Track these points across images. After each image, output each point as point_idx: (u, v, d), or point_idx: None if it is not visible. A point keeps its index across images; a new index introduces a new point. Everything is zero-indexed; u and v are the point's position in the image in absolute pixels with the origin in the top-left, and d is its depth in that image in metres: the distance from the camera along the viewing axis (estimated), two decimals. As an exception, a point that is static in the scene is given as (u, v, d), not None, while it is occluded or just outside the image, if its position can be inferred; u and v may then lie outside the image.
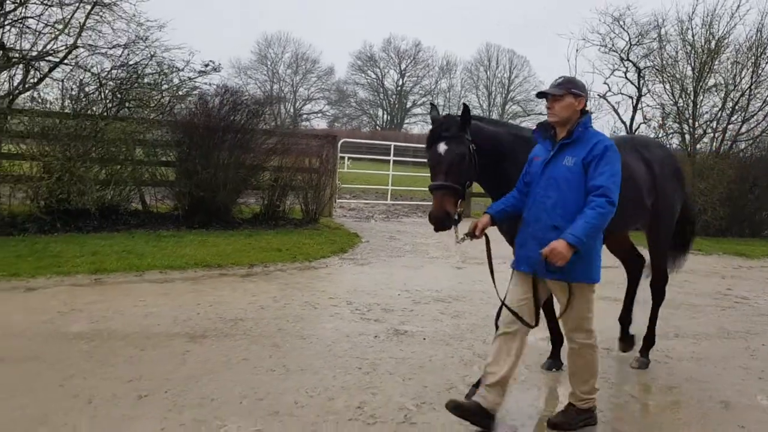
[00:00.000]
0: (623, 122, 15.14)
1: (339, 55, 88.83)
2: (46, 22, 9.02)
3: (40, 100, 9.20)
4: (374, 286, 7.06)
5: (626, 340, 5.09)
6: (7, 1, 8.70)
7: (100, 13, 9.13)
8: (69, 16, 8.94)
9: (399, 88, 64.49)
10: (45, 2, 9.04)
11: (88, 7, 8.98)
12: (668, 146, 5.86)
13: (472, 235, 3.59)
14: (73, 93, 9.18)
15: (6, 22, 8.79)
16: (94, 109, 9.41)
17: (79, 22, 9.04)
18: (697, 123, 15.10)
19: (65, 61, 9.02)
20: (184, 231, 9.64)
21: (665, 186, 4.77)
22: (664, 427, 3.77)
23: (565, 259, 3.17)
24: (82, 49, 9.10)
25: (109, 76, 9.60)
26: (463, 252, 9.28)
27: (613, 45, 14.59)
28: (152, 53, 9.62)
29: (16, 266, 6.74)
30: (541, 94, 3.57)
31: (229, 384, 3.97)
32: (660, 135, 14.94)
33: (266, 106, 10.81)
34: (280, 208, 11.17)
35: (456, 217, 3.58)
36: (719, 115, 15.06)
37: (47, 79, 9.24)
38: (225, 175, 10.04)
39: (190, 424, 3.36)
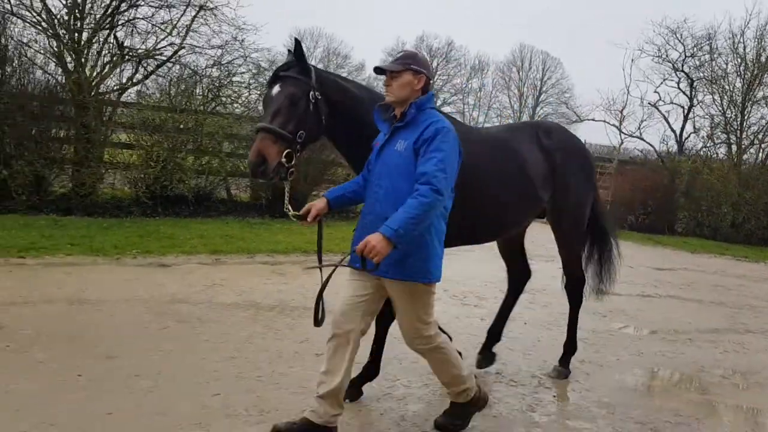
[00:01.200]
0: (673, 131, 15.68)
1: (371, 51, 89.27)
2: (154, 23, 9.86)
3: (145, 94, 10.05)
4: (460, 277, 7.75)
5: (486, 356, 4.57)
6: (123, 4, 9.53)
7: (204, 17, 9.94)
8: (176, 19, 9.78)
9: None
10: (153, 5, 9.87)
11: (194, 11, 9.80)
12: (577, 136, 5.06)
13: (302, 218, 3.18)
14: (175, 89, 10.00)
15: (120, 22, 9.63)
16: (191, 103, 10.23)
17: (185, 25, 9.87)
18: (744, 134, 15.57)
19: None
20: (268, 219, 10.46)
21: (569, 178, 4.28)
22: (759, 402, 4.44)
23: (380, 254, 2.78)
24: (183, 49, 9.92)
25: (204, 73, 10.43)
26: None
27: (667, 55, 15.13)
28: (246, 54, 10.41)
29: (144, 245, 7.57)
30: (378, 70, 3.14)
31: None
32: (708, 145, 15.45)
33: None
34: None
35: (278, 167, 3.04)
36: (767, 126, 15.51)
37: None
38: (306, 169, 10.83)
39: (371, 377, 4.11)
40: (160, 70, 9.97)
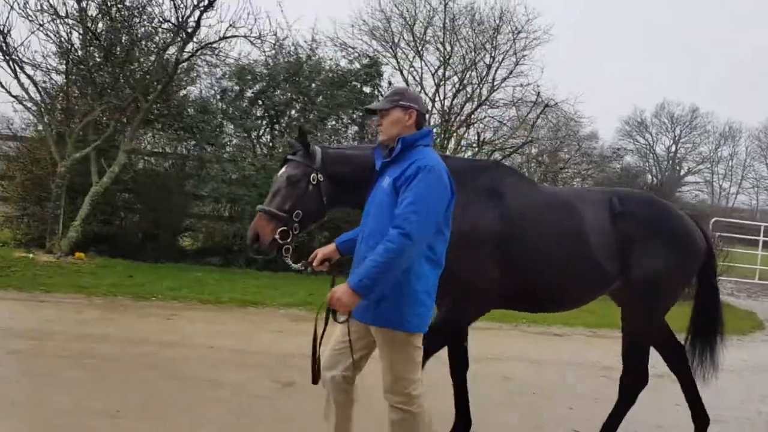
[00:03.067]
0: None
1: (606, 120, 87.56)
2: (502, 120, 11.55)
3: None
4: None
5: None
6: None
7: (546, 113, 11.36)
8: (524, 115, 11.33)
9: (671, 154, 61.79)
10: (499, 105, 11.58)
11: (539, 109, 11.27)
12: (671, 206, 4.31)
13: (309, 264, 3.19)
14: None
15: (481, 118, 11.47)
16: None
17: (530, 121, 11.39)
18: None
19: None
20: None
21: (644, 252, 3.82)
22: None
23: (346, 306, 2.74)
24: (531, 141, 11.43)
25: (542, 161, 11.79)
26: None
27: None
28: (579, 142, 11.57)
29: (521, 316, 8.61)
30: (368, 111, 3.20)
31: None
32: None
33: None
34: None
35: (272, 244, 3.18)
36: None
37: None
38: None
39: None
40: (504, 160, 11.55)
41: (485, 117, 11.49)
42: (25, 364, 5.08)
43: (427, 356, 3.44)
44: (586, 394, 5.52)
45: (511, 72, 11.07)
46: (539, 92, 10.96)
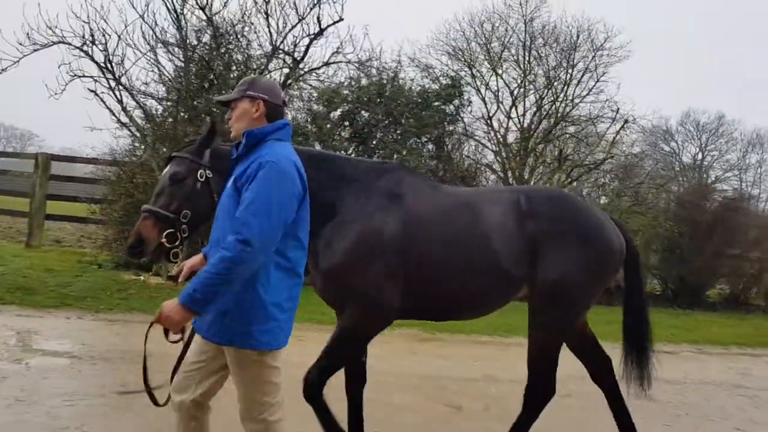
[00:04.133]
0: None
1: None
2: (581, 137, 11.61)
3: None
4: None
5: None
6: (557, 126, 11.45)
7: (627, 130, 11.46)
8: (604, 132, 11.42)
9: (698, 162, 61.28)
10: (578, 123, 11.64)
11: (618, 125, 11.36)
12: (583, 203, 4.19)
13: (175, 278, 2.96)
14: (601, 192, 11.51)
15: (558, 135, 11.53)
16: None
17: (608, 138, 11.46)
18: None
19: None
20: (669, 308, 11.07)
21: (558, 252, 3.52)
22: None
23: (176, 324, 2.47)
24: (611, 158, 11.48)
25: (618, 175, 11.83)
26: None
27: None
28: (659, 159, 11.57)
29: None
30: (221, 104, 2.97)
31: None
32: None
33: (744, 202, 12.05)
34: (751, 292, 12.17)
35: (158, 248, 2.94)
36: None
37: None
38: (712, 263, 11.42)
39: None
40: (583, 177, 11.62)
41: (563, 134, 11.58)
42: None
43: (325, 376, 3.44)
44: (737, 414, 5.61)
45: (590, 90, 11.22)
46: (618, 109, 11.08)
